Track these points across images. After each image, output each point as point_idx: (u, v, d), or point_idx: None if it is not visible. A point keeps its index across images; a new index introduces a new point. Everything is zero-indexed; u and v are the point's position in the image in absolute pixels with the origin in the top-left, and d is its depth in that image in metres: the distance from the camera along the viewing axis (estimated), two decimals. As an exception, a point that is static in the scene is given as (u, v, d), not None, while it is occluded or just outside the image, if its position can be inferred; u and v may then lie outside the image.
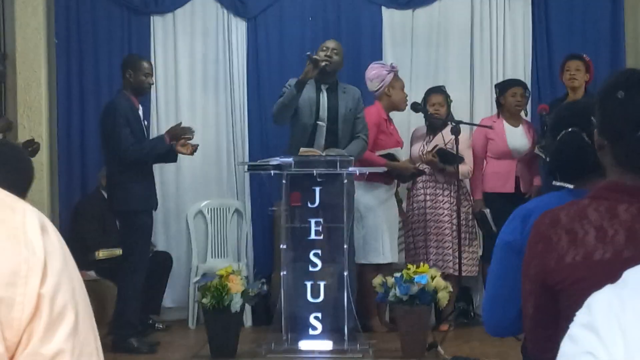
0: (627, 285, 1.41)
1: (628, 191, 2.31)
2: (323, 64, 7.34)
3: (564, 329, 2.36)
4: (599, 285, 2.27)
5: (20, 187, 2.59)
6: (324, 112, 7.53)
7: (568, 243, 2.32)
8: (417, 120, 8.53)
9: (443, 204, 8.18)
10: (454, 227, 8.08)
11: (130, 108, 7.38)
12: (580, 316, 1.42)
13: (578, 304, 2.32)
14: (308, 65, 7.29)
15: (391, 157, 7.92)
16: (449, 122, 8.00)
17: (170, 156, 7.62)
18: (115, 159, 7.33)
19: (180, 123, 7.74)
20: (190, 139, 7.48)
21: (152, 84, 7.68)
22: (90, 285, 7.63)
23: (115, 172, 7.34)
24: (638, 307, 1.34)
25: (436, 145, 8.13)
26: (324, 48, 7.53)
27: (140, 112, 7.54)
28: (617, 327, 1.33)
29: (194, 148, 7.50)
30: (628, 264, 2.28)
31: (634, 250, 2.26)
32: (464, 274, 7.99)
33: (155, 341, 7.59)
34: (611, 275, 2.28)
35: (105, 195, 7.79)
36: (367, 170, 7.37)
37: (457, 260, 8.03)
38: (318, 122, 7.50)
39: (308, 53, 7.35)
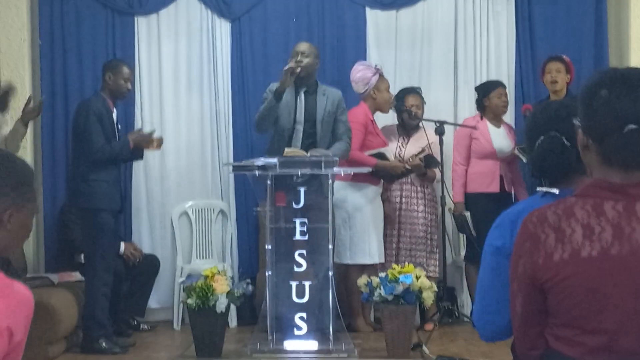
0: None
1: (614, 189, 2.33)
2: (298, 70, 7.39)
3: (552, 326, 2.39)
4: (586, 283, 2.30)
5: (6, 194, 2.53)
6: (301, 115, 7.55)
7: (555, 241, 2.33)
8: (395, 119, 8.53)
9: (417, 207, 8.21)
10: (427, 229, 8.15)
11: (105, 109, 7.39)
12: None
13: (566, 302, 2.36)
14: (284, 75, 7.34)
15: (381, 157, 7.93)
16: (435, 123, 8.02)
17: (136, 155, 7.65)
18: (81, 156, 7.34)
19: (141, 129, 7.77)
20: (158, 149, 7.58)
21: (130, 89, 7.67)
22: (77, 286, 7.71)
23: (79, 169, 7.34)
24: None
25: (423, 150, 8.14)
26: (294, 54, 7.57)
27: (115, 116, 7.55)
28: None
29: (160, 143, 7.54)
30: (615, 261, 2.32)
31: (620, 248, 2.28)
32: (431, 274, 7.99)
33: (131, 342, 7.59)
34: (598, 272, 2.31)
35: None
36: (351, 170, 7.39)
37: (429, 262, 8.10)
38: (295, 126, 7.52)
39: (285, 68, 7.42)
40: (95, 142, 7.25)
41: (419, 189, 8.23)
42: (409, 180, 8.21)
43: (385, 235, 8.16)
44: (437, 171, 8.18)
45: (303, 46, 7.65)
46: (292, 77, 7.38)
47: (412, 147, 8.26)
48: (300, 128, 7.53)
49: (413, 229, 8.17)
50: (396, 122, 8.45)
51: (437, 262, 8.21)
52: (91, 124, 7.24)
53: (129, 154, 7.52)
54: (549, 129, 2.83)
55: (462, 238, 8.61)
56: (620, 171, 2.33)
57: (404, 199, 8.21)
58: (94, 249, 7.28)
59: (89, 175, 7.27)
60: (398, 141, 8.34)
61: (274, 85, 7.48)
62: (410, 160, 8.14)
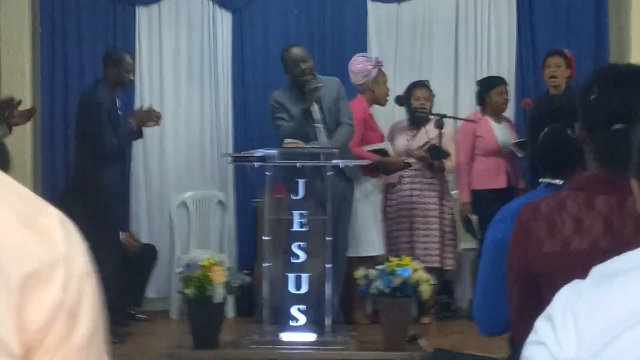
0: (588, 278, 1.46)
1: (606, 182, 2.34)
2: (321, 85, 7.35)
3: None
4: (576, 275, 2.30)
5: None
6: (316, 114, 7.51)
7: (546, 233, 2.34)
8: (401, 114, 8.52)
9: (430, 199, 8.17)
10: (441, 221, 8.12)
11: (112, 103, 7.40)
12: (547, 309, 1.46)
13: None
14: (311, 95, 7.31)
15: (382, 153, 7.92)
16: (435, 116, 8.00)
17: (136, 135, 7.67)
18: (90, 153, 7.33)
19: (142, 107, 7.76)
20: (157, 124, 7.56)
21: (133, 79, 7.69)
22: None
23: (87, 165, 7.34)
24: (592, 299, 1.37)
25: (427, 142, 8.11)
26: (296, 61, 7.46)
27: (118, 104, 7.58)
28: (571, 317, 1.36)
29: (159, 119, 7.56)
30: (605, 254, 2.31)
31: (610, 241, 2.29)
32: (447, 267, 8.01)
33: (128, 332, 7.59)
34: (588, 265, 2.31)
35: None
36: (351, 163, 7.38)
37: (445, 255, 8.08)
38: (315, 125, 7.49)
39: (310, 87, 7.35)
40: (108, 142, 7.24)
41: (431, 180, 8.19)
42: (420, 172, 8.19)
43: (397, 230, 8.17)
44: (449, 162, 8.13)
45: (301, 51, 7.56)
46: (317, 92, 7.35)
47: (420, 141, 8.23)
48: (320, 126, 7.49)
49: (426, 221, 8.15)
50: (405, 117, 8.43)
51: (453, 255, 8.19)
52: (103, 124, 7.23)
53: (136, 135, 7.55)
54: (552, 120, 2.83)
55: (462, 232, 8.61)
56: (611, 167, 2.34)
57: (415, 192, 8.19)
58: (101, 243, 7.25)
59: (101, 173, 7.26)
60: (407, 135, 8.31)
61: (277, 94, 7.46)
62: (415, 152, 8.13)
